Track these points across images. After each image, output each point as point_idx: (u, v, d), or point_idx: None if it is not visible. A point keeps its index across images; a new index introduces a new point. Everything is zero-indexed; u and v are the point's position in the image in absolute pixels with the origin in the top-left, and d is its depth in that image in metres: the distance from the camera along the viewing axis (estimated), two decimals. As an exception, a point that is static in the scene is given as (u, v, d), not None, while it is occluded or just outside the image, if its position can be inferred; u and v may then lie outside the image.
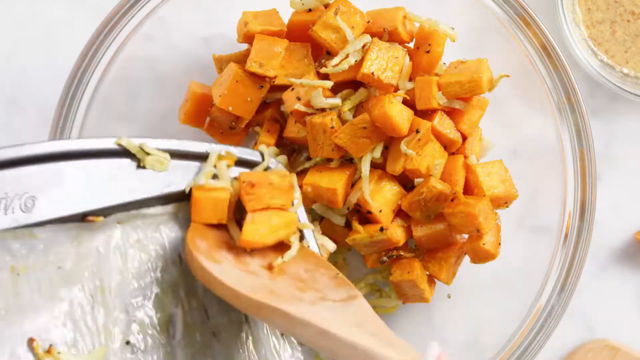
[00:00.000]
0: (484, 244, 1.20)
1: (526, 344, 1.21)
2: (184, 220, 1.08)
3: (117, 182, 1.04)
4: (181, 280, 1.07)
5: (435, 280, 1.24)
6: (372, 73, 1.17)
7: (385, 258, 1.22)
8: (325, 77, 1.21)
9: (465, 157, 1.22)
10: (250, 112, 1.20)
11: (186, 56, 1.30)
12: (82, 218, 1.03)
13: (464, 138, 1.23)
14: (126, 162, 1.05)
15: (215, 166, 1.08)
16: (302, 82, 1.18)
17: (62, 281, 1.02)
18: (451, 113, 1.21)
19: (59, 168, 1.01)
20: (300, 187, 1.18)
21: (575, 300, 1.26)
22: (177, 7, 1.22)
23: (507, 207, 1.24)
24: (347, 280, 1.07)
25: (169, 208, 1.08)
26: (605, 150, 1.34)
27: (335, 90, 1.20)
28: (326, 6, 1.21)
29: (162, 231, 1.07)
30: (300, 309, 1.00)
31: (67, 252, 1.02)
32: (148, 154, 1.05)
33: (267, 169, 1.12)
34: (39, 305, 1.00)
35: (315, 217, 1.24)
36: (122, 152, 1.04)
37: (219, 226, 1.08)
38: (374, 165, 1.20)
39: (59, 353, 0.99)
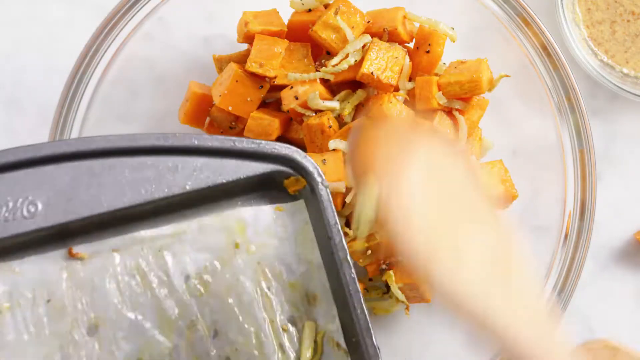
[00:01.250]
0: (484, 244, 1.20)
1: (526, 344, 1.21)
2: (192, 242, 1.03)
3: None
4: (188, 307, 1.01)
5: (435, 280, 1.24)
6: (372, 73, 1.17)
7: (384, 266, 1.22)
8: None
9: (465, 157, 1.22)
10: (250, 112, 1.20)
11: (186, 56, 1.30)
12: (68, 253, 0.99)
13: (464, 138, 1.23)
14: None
15: None
16: (297, 76, 1.18)
17: (51, 316, 0.97)
18: (451, 113, 1.21)
19: (52, 171, 0.98)
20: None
21: (575, 301, 1.26)
22: (177, 7, 1.22)
23: (507, 207, 1.24)
24: None
25: (170, 229, 1.02)
26: (605, 150, 1.34)
27: (334, 91, 1.20)
28: (326, 6, 1.21)
29: (165, 256, 1.02)
30: None
31: (57, 285, 0.98)
32: None
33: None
34: (27, 343, 0.96)
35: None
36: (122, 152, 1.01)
37: None
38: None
39: None
